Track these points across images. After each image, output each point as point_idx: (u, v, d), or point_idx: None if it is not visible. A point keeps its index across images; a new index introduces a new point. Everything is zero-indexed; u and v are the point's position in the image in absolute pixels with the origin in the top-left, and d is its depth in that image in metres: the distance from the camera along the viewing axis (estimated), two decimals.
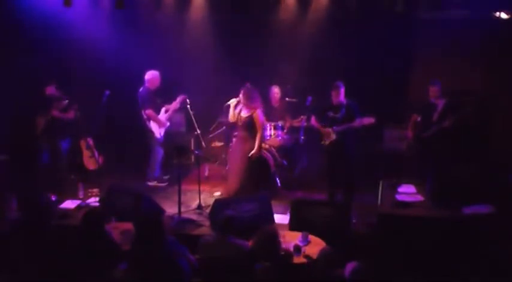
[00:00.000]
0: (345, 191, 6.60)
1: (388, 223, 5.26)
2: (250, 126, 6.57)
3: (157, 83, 7.29)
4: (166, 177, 7.59)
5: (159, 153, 7.44)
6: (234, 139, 6.94)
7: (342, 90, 6.42)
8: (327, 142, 6.55)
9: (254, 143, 6.56)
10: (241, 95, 6.55)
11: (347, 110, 6.44)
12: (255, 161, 6.60)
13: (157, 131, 7.32)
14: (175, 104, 7.34)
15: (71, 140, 7.31)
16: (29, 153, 6.84)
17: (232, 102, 6.64)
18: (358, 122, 6.34)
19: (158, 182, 7.48)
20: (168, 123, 7.43)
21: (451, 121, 6.50)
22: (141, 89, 7.26)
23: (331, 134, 6.50)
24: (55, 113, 6.92)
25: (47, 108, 6.86)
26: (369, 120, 6.33)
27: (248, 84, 7.40)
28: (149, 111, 7.20)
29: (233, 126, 6.95)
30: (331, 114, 6.51)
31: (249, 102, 6.53)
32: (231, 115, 6.66)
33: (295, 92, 7.81)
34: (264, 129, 6.74)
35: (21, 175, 6.71)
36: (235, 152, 6.79)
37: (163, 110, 7.38)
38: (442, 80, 6.81)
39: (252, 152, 6.54)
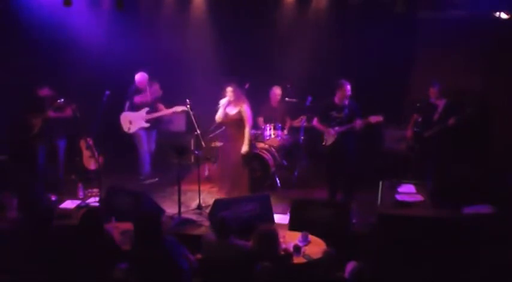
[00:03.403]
0: (345, 191, 6.60)
1: (388, 223, 5.25)
2: (239, 122, 6.60)
3: (142, 83, 7.43)
4: (153, 180, 7.59)
5: (140, 149, 7.49)
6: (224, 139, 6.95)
7: (349, 87, 6.36)
8: (329, 142, 6.52)
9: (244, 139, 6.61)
10: (231, 93, 6.57)
11: (350, 110, 6.42)
12: (249, 157, 6.61)
13: (126, 126, 7.44)
14: (168, 111, 7.43)
15: (68, 140, 7.31)
16: (27, 154, 6.83)
17: (223, 102, 6.65)
18: (358, 122, 6.32)
19: (145, 179, 7.48)
20: (148, 125, 7.46)
21: (455, 119, 6.49)
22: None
23: (334, 134, 6.47)
24: (51, 113, 6.91)
25: (42, 108, 6.86)
26: (376, 119, 6.31)
27: (247, 85, 7.42)
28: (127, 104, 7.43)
29: (220, 126, 7.01)
30: (334, 114, 6.46)
31: (237, 99, 6.57)
32: (218, 115, 6.69)
33: (295, 92, 7.81)
34: (251, 124, 6.69)
35: (21, 175, 6.70)
36: (227, 151, 6.81)
37: (144, 109, 7.43)
38: (442, 80, 6.80)
39: (243, 149, 6.58)
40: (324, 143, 6.58)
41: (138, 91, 7.48)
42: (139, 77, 7.44)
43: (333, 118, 6.45)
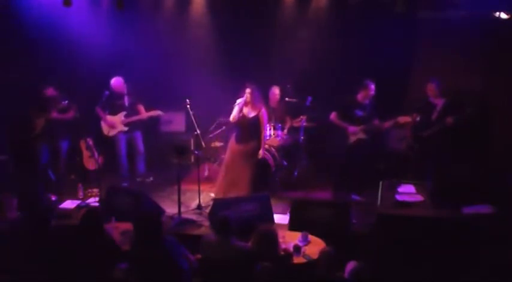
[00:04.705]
0: (347, 190, 6.60)
1: (388, 223, 5.25)
2: (255, 126, 6.57)
3: (119, 87, 7.31)
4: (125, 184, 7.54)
5: (117, 152, 7.46)
6: (232, 139, 6.90)
7: (373, 87, 6.50)
8: (353, 140, 6.58)
9: (256, 142, 6.58)
10: (248, 94, 6.51)
11: (371, 108, 6.56)
12: (257, 160, 6.61)
13: (105, 129, 7.39)
14: (144, 115, 7.38)
15: (70, 140, 7.33)
16: (28, 154, 6.84)
17: (239, 101, 6.60)
18: (388, 123, 6.49)
19: (123, 181, 7.46)
20: (126, 128, 7.40)
21: (453, 119, 6.49)
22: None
23: (359, 133, 6.51)
24: (54, 114, 6.94)
25: (46, 109, 6.88)
26: (405, 119, 6.44)
27: (248, 84, 7.39)
28: (97, 109, 7.28)
29: (232, 126, 6.96)
30: (359, 113, 6.55)
31: (256, 102, 6.53)
32: (233, 115, 6.59)
33: (295, 92, 7.80)
34: (266, 128, 6.75)
35: (21, 175, 6.71)
36: (236, 152, 6.73)
37: (122, 113, 7.36)
38: (442, 80, 6.80)
39: (260, 152, 6.58)
40: (348, 140, 6.63)
41: (116, 96, 7.32)
42: (115, 81, 7.28)
43: (357, 117, 6.57)
